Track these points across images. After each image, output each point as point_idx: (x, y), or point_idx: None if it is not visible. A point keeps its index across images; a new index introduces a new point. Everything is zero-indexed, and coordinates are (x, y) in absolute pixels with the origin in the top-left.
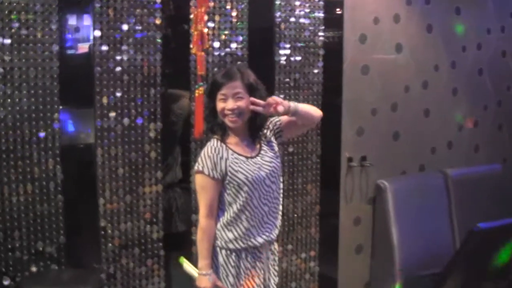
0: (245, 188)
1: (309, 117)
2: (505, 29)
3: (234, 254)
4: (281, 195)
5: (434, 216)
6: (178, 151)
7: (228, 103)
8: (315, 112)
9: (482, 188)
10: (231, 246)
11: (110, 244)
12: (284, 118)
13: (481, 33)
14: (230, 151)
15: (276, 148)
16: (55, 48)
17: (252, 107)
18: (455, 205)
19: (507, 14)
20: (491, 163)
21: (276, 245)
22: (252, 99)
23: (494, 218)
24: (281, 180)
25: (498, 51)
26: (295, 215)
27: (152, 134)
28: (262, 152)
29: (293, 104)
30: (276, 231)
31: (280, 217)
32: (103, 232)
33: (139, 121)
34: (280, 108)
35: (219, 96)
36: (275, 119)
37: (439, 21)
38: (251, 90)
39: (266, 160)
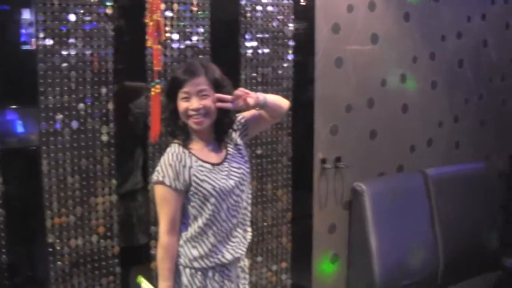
0: (212, 200)
1: (278, 109)
2: (485, 17)
3: (199, 273)
4: (250, 204)
5: (414, 220)
6: (140, 153)
7: (192, 102)
8: (283, 102)
9: (465, 188)
10: (196, 264)
11: (59, 262)
12: (247, 113)
13: (461, 21)
14: (193, 158)
15: (244, 152)
16: None
17: (219, 104)
18: (436, 208)
19: (488, 1)
20: (473, 161)
21: (246, 261)
22: (218, 95)
23: (477, 220)
24: (250, 187)
25: (479, 40)
26: (265, 224)
27: (104, 138)
28: (229, 157)
29: (261, 96)
30: (246, 246)
31: (249, 229)
32: (51, 249)
33: (90, 123)
34: (250, 100)
35: (180, 95)
36: (237, 116)
37: (417, 9)
38: (217, 87)
39: (234, 166)
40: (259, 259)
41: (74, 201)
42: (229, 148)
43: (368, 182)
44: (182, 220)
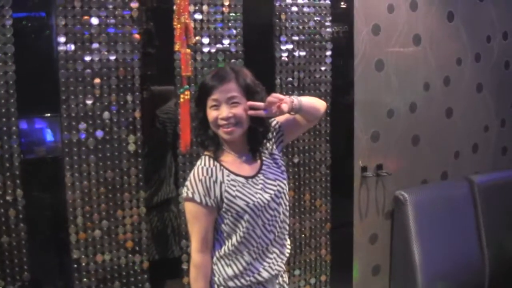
0: (246, 217)
1: (315, 112)
2: None
3: None
4: (288, 217)
5: (459, 230)
6: (171, 160)
7: (222, 110)
8: (320, 104)
9: None
10: (231, 284)
11: (85, 279)
12: (281, 118)
13: (508, 20)
14: (225, 172)
15: (281, 161)
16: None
17: (251, 112)
18: (483, 217)
19: None
20: None
21: (285, 277)
22: (250, 102)
23: None
24: (287, 198)
25: None
26: (303, 236)
27: (131, 148)
28: (264, 168)
29: (296, 99)
30: (284, 261)
31: (288, 244)
32: (76, 266)
33: (115, 132)
34: (285, 107)
35: (210, 103)
36: (271, 121)
37: (461, 8)
38: (249, 94)
39: (270, 178)
40: (297, 272)
41: (100, 215)
42: (264, 159)
43: (411, 190)
44: (215, 236)
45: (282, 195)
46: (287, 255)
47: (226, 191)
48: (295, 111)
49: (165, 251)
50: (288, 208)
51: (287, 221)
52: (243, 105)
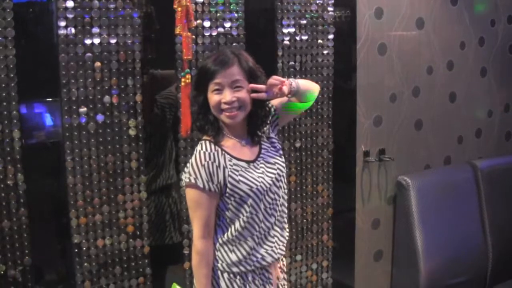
0: (249, 201)
1: (309, 95)
2: None
3: (238, 277)
4: (286, 200)
5: (462, 216)
6: (171, 146)
7: (225, 94)
8: (314, 87)
9: None
10: (234, 269)
11: (86, 264)
12: (275, 101)
13: None
14: (227, 156)
15: (278, 145)
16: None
17: (254, 95)
18: (486, 202)
19: None
20: None
21: (284, 260)
22: (252, 85)
23: None
24: (286, 181)
25: None
26: (305, 221)
27: (132, 132)
28: (263, 152)
29: (294, 82)
30: (285, 245)
31: (286, 227)
32: (77, 250)
33: (116, 116)
34: (285, 89)
35: (212, 87)
36: (267, 104)
37: None
38: (252, 77)
39: (270, 162)
40: (299, 257)
41: (100, 199)
42: (262, 142)
43: (414, 175)
44: (217, 222)
45: (282, 178)
46: (287, 238)
47: (229, 175)
48: (292, 94)
49: (165, 236)
50: (286, 191)
51: (286, 204)
52: (246, 89)
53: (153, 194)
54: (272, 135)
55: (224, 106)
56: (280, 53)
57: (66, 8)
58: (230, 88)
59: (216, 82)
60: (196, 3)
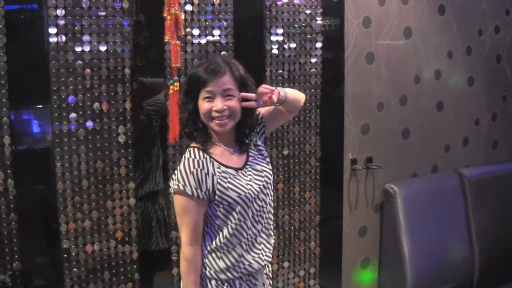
0: (238, 208)
1: (296, 103)
2: None
3: (226, 284)
4: (273, 207)
5: (449, 224)
6: (158, 153)
7: (216, 102)
8: (300, 96)
9: (502, 190)
10: (222, 276)
11: (75, 269)
12: (263, 109)
13: (499, 14)
14: (216, 164)
15: (265, 152)
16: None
17: (244, 104)
18: (472, 210)
19: None
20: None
21: (270, 267)
22: (243, 94)
23: None
24: (272, 188)
25: None
26: (292, 228)
27: (121, 139)
28: (251, 160)
29: (282, 91)
30: (271, 251)
31: (272, 234)
32: (66, 255)
33: (105, 123)
34: (274, 97)
35: (203, 94)
36: (255, 113)
37: (452, 1)
38: (243, 86)
39: (258, 169)
40: (286, 264)
41: (89, 205)
42: (249, 150)
43: (401, 183)
44: (205, 229)
45: (269, 185)
46: (273, 245)
47: (218, 183)
48: (280, 102)
49: (152, 243)
50: (273, 198)
51: (272, 211)
52: (236, 98)
53: (139, 200)
54: (259, 142)
55: (214, 114)
56: (268, 62)
57: (57, 16)
58: (222, 96)
59: (207, 90)
60: (185, 12)
